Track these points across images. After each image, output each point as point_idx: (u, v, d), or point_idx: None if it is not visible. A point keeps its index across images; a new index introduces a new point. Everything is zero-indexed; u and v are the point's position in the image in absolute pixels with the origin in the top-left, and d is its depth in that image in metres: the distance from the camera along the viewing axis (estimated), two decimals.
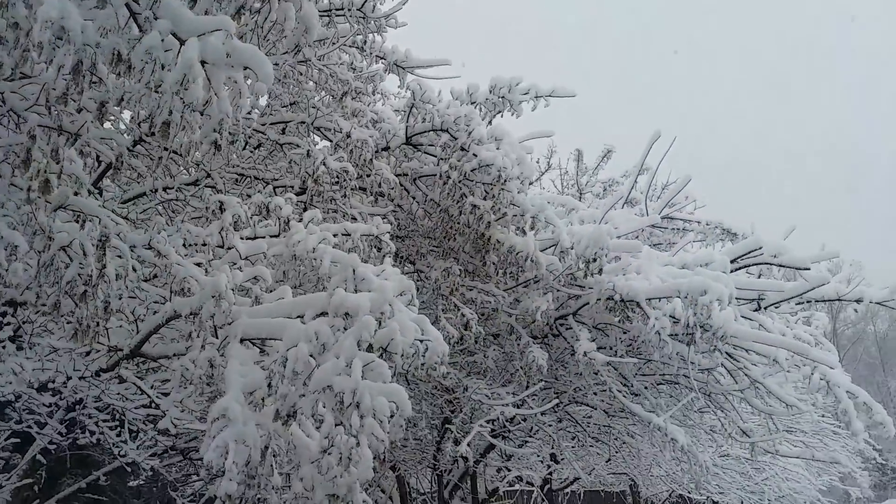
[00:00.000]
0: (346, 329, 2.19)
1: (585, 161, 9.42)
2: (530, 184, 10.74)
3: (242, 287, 2.64)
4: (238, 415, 2.08)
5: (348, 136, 3.98)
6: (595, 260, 5.16)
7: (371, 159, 4.06)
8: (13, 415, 3.29)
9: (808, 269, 5.73)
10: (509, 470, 8.98)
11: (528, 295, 5.55)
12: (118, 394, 3.39)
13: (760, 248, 5.87)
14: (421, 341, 2.38)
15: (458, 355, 5.71)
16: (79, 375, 2.68)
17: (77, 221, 2.09)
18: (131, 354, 2.60)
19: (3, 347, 2.56)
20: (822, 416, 16.47)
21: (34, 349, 2.62)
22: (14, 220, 1.99)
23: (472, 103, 4.92)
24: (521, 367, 5.51)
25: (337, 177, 3.92)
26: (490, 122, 5.15)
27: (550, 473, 11.49)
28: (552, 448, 9.44)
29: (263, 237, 3.18)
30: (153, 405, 3.53)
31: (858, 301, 6.07)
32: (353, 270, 2.47)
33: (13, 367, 2.44)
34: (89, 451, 4.29)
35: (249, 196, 3.71)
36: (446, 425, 5.65)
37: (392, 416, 2.16)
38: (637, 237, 6.95)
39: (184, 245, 2.80)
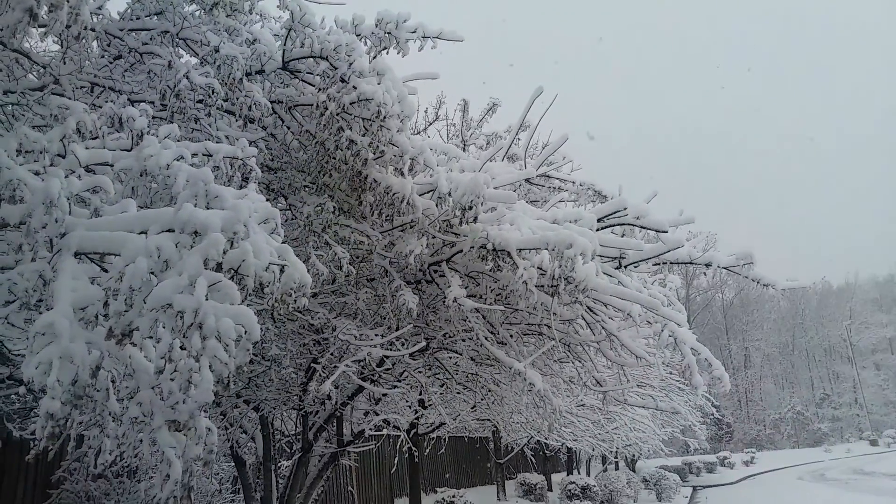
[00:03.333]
0: (193, 247, 2.06)
1: (471, 114, 9.46)
2: (417, 133, 10.68)
3: (81, 198, 2.42)
4: (65, 330, 1.91)
5: (216, 50, 3.71)
6: (471, 208, 5.21)
7: (241, 79, 3.81)
8: None
9: (666, 231, 6.10)
10: (377, 413, 9.08)
11: (403, 238, 5.54)
12: None
13: (625, 209, 6.17)
14: (280, 267, 2.29)
15: (330, 296, 5.63)
16: None
17: None
18: None
19: None
20: (670, 373, 17.98)
21: None
22: None
23: (357, 35, 4.74)
24: (392, 310, 5.52)
25: (202, 94, 3.65)
26: (375, 57, 5.00)
27: (418, 418, 11.80)
28: (420, 393, 9.67)
29: (114, 150, 2.91)
30: None
31: (708, 265, 6.54)
32: (206, 186, 2.32)
33: None
34: None
35: (100, 107, 3.38)
36: (312, 365, 5.58)
37: (239, 340, 2.07)
38: (515, 191, 7.12)
39: (18, 151, 2.51)
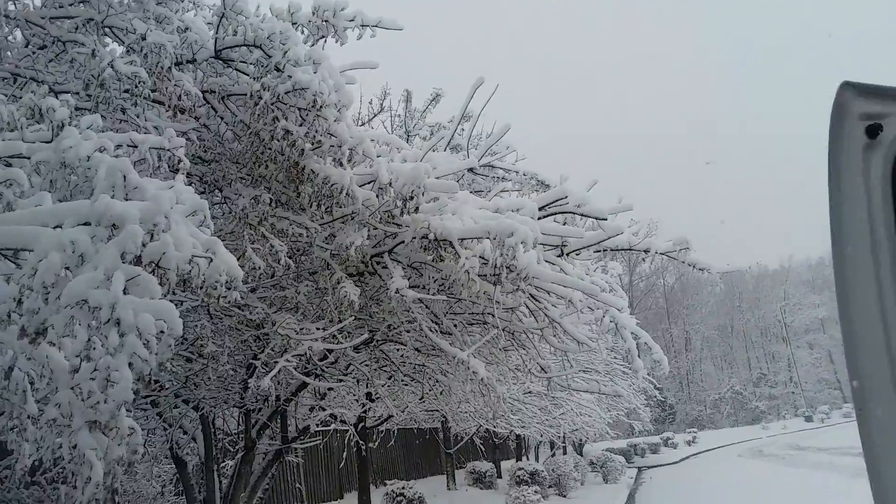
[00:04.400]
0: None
1: (415, 104, 9.41)
2: (363, 124, 10.55)
3: None
4: None
5: (143, 38, 3.57)
6: (412, 198, 5.18)
7: (170, 68, 3.68)
8: None
9: (606, 219, 6.21)
10: (323, 409, 8.99)
11: (343, 230, 5.47)
12: None
13: (566, 197, 6.24)
14: (206, 260, 2.22)
15: (269, 290, 5.52)
16: None
17: None
18: None
19: None
20: (614, 357, 18.41)
21: None
22: None
23: (293, 24, 4.65)
24: (333, 303, 5.45)
25: (128, 84, 3.51)
26: (313, 45, 4.91)
27: (365, 412, 11.75)
28: (367, 387, 9.62)
29: (32, 143, 2.77)
30: None
31: (646, 251, 6.69)
32: (124, 177, 2.23)
33: None
34: None
35: (20, 98, 3.22)
36: (252, 361, 5.48)
37: (161, 335, 2.00)
38: (458, 181, 7.12)
39: None
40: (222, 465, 8.15)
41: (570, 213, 6.52)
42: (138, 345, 1.91)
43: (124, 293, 1.92)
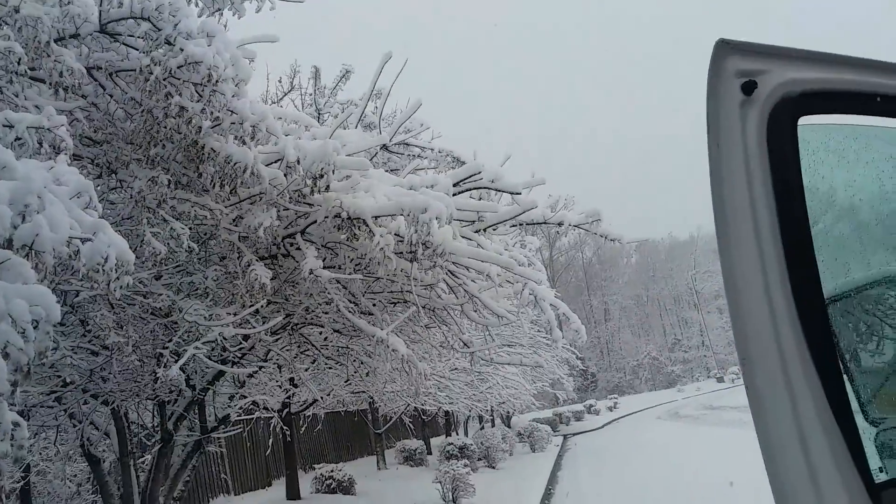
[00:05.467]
0: None
1: (324, 82, 9.21)
2: (273, 103, 10.22)
3: None
4: None
5: (16, 10, 3.31)
6: (322, 176, 5.07)
7: (48, 42, 3.44)
8: None
9: (520, 193, 6.29)
10: (244, 396, 8.80)
11: (251, 211, 5.31)
12: None
13: (480, 172, 6.27)
14: (83, 241, 2.10)
15: (174, 276, 5.31)
16: None
17: None
18: None
19: None
20: (538, 330, 18.81)
21: None
22: None
23: None
24: (244, 287, 5.30)
25: (1, 60, 3.25)
26: (209, 17, 4.70)
27: (289, 397, 11.58)
28: (290, 372, 9.46)
29: None
30: None
31: (560, 224, 6.82)
32: None
33: None
34: None
35: None
36: (160, 351, 5.26)
37: (38, 323, 1.87)
38: (372, 159, 7.04)
39: None
40: (140, 459, 7.85)
41: (484, 188, 6.56)
42: (12, 333, 1.78)
43: None
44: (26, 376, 1.85)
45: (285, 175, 5.16)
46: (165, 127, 4.15)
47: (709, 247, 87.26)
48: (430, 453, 19.98)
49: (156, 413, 7.13)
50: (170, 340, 4.97)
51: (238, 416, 8.19)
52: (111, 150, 4.34)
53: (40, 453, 9.71)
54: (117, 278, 2.49)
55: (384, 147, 7.66)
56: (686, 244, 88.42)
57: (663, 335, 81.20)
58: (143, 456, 8.55)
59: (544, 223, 6.93)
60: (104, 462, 7.00)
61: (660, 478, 14.34)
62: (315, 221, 5.62)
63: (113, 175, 4.49)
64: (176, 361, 4.61)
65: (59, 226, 2.01)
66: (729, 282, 1.26)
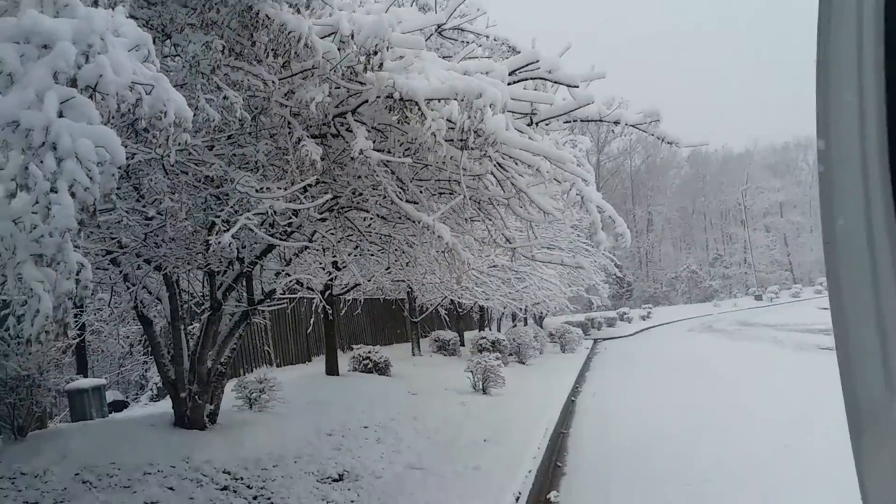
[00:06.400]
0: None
1: None
2: None
3: None
4: None
5: None
6: (376, 53, 4.93)
7: None
8: None
9: (577, 86, 6.04)
10: (288, 275, 9.05)
11: (304, 86, 5.23)
12: None
13: (538, 61, 6.02)
14: (147, 89, 2.08)
15: (226, 146, 5.34)
16: None
17: None
18: None
19: None
20: (578, 235, 18.72)
21: None
22: None
23: None
24: (294, 162, 5.31)
25: None
26: None
27: (332, 280, 11.91)
28: (333, 255, 9.67)
29: None
30: None
31: (616, 123, 6.59)
32: None
33: None
34: None
35: None
36: (212, 219, 5.39)
37: (102, 164, 1.89)
38: (426, 41, 6.80)
39: None
40: (189, 326, 8.26)
41: (540, 78, 6.32)
42: (78, 171, 1.81)
43: (59, 116, 1.79)
44: (92, 216, 1.89)
45: (339, 49, 5.03)
46: None
47: (764, 161, 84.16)
48: (462, 345, 20.59)
49: (206, 282, 7.41)
50: (221, 210, 5.07)
51: (283, 293, 8.47)
52: (165, 12, 4.26)
53: (95, 313, 10.30)
54: (175, 136, 2.49)
55: (439, 30, 7.39)
56: (741, 157, 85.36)
57: (705, 250, 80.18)
58: (192, 323, 9.00)
59: (600, 121, 6.70)
60: (156, 325, 7.38)
61: (685, 384, 14.61)
62: (367, 101, 5.52)
63: (168, 39, 4.43)
64: (227, 230, 4.71)
65: (122, 69, 1.99)
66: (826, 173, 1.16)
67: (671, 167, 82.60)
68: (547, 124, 6.84)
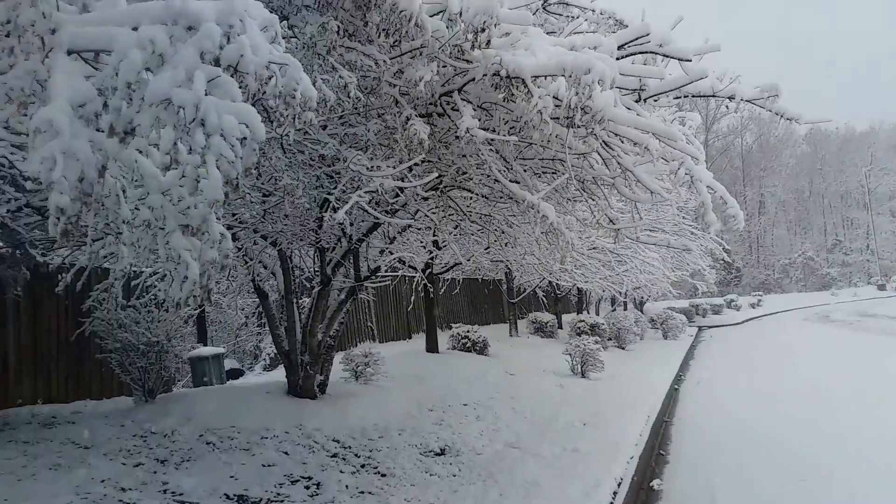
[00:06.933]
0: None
1: None
2: None
3: None
4: (65, 126, 1.86)
5: None
6: (484, 30, 4.92)
7: None
8: None
9: (690, 60, 5.79)
10: (392, 253, 9.28)
11: (412, 65, 5.31)
12: None
13: (648, 34, 5.82)
14: (281, 67, 2.19)
15: (338, 126, 5.52)
16: None
17: None
18: None
19: None
20: (683, 217, 18.00)
21: None
22: None
23: None
24: (403, 141, 5.41)
25: None
26: None
27: (432, 258, 12.10)
28: (434, 234, 9.81)
29: None
30: None
31: (731, 98, 6.27)
32: None
33: None
34: None
35: None
36: (326, 197, 5.60)
37: (244, 140, 2.01)
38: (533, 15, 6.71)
39: None
40: (300, 300, 8.65)
41: (651, 52, 6.10)
42: (224, 146, 1.93)
43: (206, 94, 1.92)
44: (235, 189, 2.02)
45: (447, 27, 5.06)
46: None
47: (890, 141, 77.45)
48: (560, 328, 20.41)
49: (316, 258, 7.72)
50: (334, 188, 5.25)
51: (386, 270, 8.70)
52: None
53: (216, 285, 10.99)
54: (300, 115, 2.60)
55: (544, 5, 7.28)
56: (864, 136, 78.95)
57: (822, 234, 75.06)
58: (302, 297, 9.42)
59: (713, 96, 6.40)
60: (270, 298, 7.78)
61: (799, 380, 13.80)
62: (473, 79, 5.53)
63: (285, 21, 4.61)
64: (341, 206, 4.88)
65: (259, 49, 2.10)
66: None
67: (786, 146, 77.65)
68: (655, 100, 6.61)
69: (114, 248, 2.41)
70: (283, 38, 4.97)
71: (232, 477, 5.06)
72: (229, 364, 11.64)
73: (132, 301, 6.83)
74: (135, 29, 2.05)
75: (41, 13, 2.06)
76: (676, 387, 13.70)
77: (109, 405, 6.69)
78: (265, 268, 7.60)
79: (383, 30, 4.68)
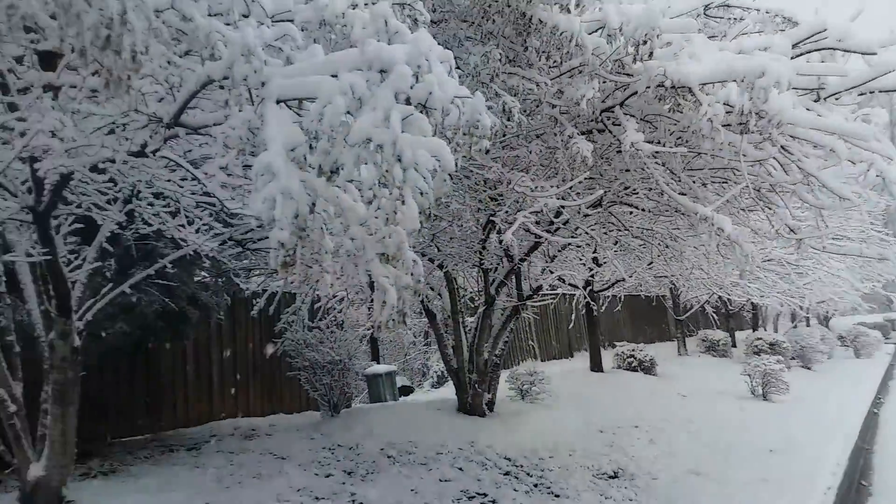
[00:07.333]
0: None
1: None
2: None
3: (272, 47, 2.56)
4: (282, 169, 2.10)
5: None
6: (646, 42, 4.84)
7: None
8: (73, 198, 3.45)
9: (875, 53, 5.29)
10: (552, 272, 9.25)
11: (572, 84, 5.32)
12: (169, 180, 3.49)
13: (825, 30, 5.40)
14: (463, 100, 2.32)
15: (500, 150, 5.65)
16: (125, 150, 2.71)
17: None
18: (172, 123, 2.61)
19: (38, 98, 2.53)
20: (871, 223, 16.21)
21: (75, 116, 2.62)
22: None
23: None
24: (565, 160, 5.42)
25: None
26: None
27: (592, 276, 11.88)
28: (595, 251, 9.65)
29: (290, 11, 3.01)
30: (204, 192, 3.64)
31: None
32: (386, 22, 2.35)
33: (54, 123, 2.46)
34: (153, 243, 4.53)
35: None
36: (490, 219, 5.73)
37: (435, 172, 2.15)
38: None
39: (209, 14, 2.68)
40: (464, 319, 8.88)
41: (829, 48, 5.65)
42: (419, 179, 2.08)
43: (401, 132, 2.08)
44: (427, 218, 2.16)
45: (607, 42, 5.02)
46: (497, 0, 4.28)
47: None
48: (734, 346, 19.09)
49: (479, 279, 7.89)
50: (500, 209, 5.37)
51: (547, 289, 8.68)
52: (448, 29, 4.65)
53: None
54: (477, 141, 2.71)
55: (704, 10, 6.98)
56: None
57: None
58: (466, 317, 9.65)
59: None
60: (437, 317, 8.06)
61: None
62: (635, 92, 5.42)
63: (448, 52, 4.82)
64: (506, 230, 4.98)
65: (445, 85, 2.23)
66: None
67: None
68: (836, 99, 6.08)
69: (317, 275, 2.65)
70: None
71: (413, 490, 5.28)
72: (400, 381, 12.16)
73: (316, 322, 7.39)
74: (334, 76, 2.27)
75: (253, 69, 2.34)
76: (875, 410, 12.28)
77: (300, 419, 7.26)
78: (432, 289, 7.90)
79: (543, 52, 4.75)
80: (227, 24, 2.44)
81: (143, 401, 6.53)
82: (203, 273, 5.44)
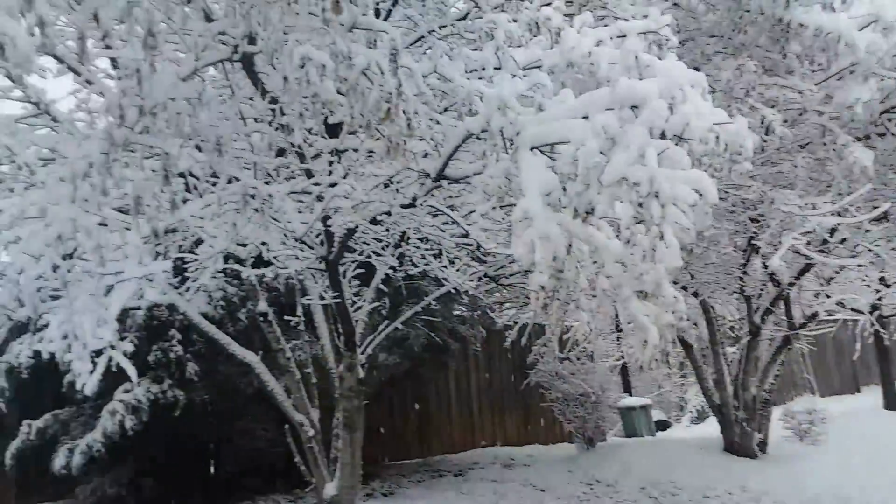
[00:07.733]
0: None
1: None
2: None
3: (524, 96, 2.69)
4: (539, 213, 2.18)
5: None
6: None
7: None
8: (356, 247, 3.95)
9: None
10: (828, 296, 8.20)
11: (843, 87, 4.75)
12: (433, 225, 3.83)
13: None
14: (720, 125, 2.21)
15: (759, 167, 5.21)
16: (399, 203, 3.05)
17: (368, 45, 2.32)
18: (437, 177, 2.86)
19: (330, 173, 2.97)
20: None
21: (360, 179, 3.02)
22: (315, 43, 2.25)
23: None
24: (841, 172, 4.83)
25: None
26: None
27: (879, 299, 10.25)
28: (882, 271, 8.34)
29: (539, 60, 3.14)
30: (462, 234, 3.91)
31: None
32: (636, 57, 2.33)
33: (346, 188, 2.87)
34: (419, 282, 4.98)
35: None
36: (752, 242, 5.29)
37: (695, 206, 2.07)
38: None
39: (465, 71, 2.90)
40: (724, 350, 8.23)
41: None
42: (678, 214, 2.02)
43: (657, 167, 2.04)
44: (689, 253, 2.08)
45: (883, 36, 4.42)
46: (748, 10, 4.02)
47: None
48: None
49: (739, 307, 7.30)
50: (760, 230, 4.95)
51: (824, 316, 7.71)
52: (694, 47, 4.46)
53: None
54: (736, 165, 2.55)
55: None
56: None
57: None
58: (724, 348, 8.94)
59: None
60: (694, 348, 7.59)
61: None
62: None
63: (697, 71, 4.60)
64: (771, 253, 4.56)
65: (702, 114, 2.15)
66: None
67: None
68: None
69: (573, 314, 2.68)
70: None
71: None
72: (655, 415, 11.60)
73: (566, 353, 7.42)
74: (585, 117, 2.31)
75: (508, 120, 2.48)
76: None
77: (556, 451, 7.31)
78: (686, 319, 7.48)
79: (806, 57, 4.33)
80: (481, 79, 2.62)
81: (414, 427, 7.10)
82: (461, 307, 5.81)
